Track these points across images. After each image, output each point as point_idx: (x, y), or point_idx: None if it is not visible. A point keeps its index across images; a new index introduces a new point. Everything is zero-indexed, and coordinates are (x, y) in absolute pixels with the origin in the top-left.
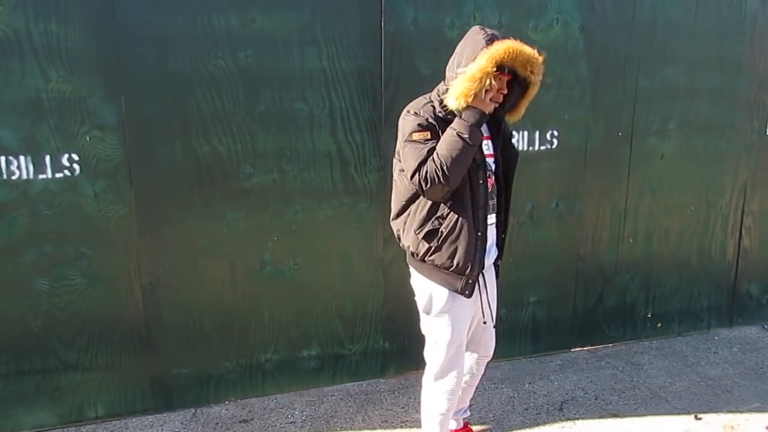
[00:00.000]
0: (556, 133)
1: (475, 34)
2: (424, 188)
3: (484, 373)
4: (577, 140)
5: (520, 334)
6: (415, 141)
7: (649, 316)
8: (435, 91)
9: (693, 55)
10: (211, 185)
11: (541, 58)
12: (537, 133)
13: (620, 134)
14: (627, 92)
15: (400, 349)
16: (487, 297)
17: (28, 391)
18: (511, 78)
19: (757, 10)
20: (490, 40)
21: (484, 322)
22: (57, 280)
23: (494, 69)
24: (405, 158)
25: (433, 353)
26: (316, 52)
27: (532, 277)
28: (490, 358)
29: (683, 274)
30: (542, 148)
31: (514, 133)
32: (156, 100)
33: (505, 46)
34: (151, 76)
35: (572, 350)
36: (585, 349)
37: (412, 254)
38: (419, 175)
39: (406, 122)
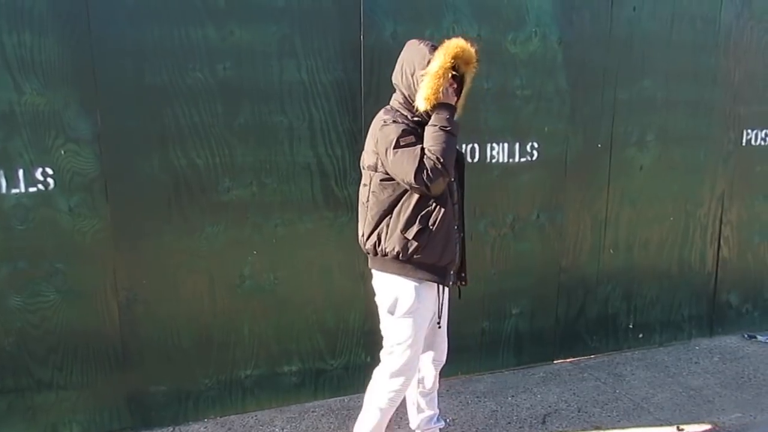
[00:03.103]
0: (536, 145)
1: (415, 45)
2: (431, 184)
3: (467, 387)
4: (557, 152)
5: (503, 347)
6: (404, 146)
7: (631, 326)
8: (393, 102)
9: (670, 67)
10: (190, 199)
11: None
12: (517, 145)
13: (599, 146)
14: (605, 104)
15: None
16: (442, 299)
17: (1, 410)
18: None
19: (732, 23)
20: (434, 47)
21: (438, 324)
22: (31, 297)
23: (451, 64)
24: (399, 164)
25: (394, 354)
26: (296, 64)
27: (514, 288)
28: (443, 363)
29: (664, 284)
30: (522, 159)
31: (495, 144)
32: (133, 113)
33: (456, 43)
34: (127, 88)
35: (555, 362)
36: (568, 360)
37: (397, 254)
38: (423, 173)
39: (388, 131)
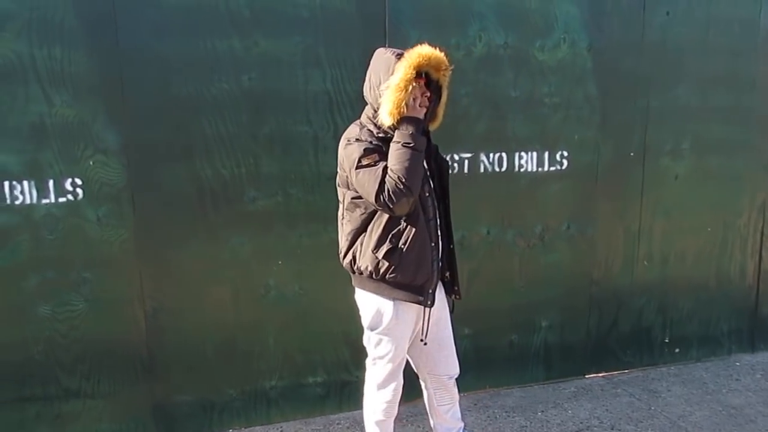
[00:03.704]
0: (566, 154)
1: (382, 55)
2: (392, 206)
3: (495, 401)
4: (587, 161)
5: (532, 360)
6: (366, 165)
7: (667, 341)
8: (364, 116)
9: (705, 73)
10: (215, 209)
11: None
12: (546, 154)
13: (632, 155)
14: (638, 112)
15: (407, 376)
16: (429, 315)
17: (29, 418)
18: (426, 83)
19: None
20: (400, 55)
21: (422, 341)
22: (59, 306)
23: (414, 75)
24: (361, 184)
25: (377, 365)
26: (320, 74)
27: (543, 300)
28: (456, 375)
29: (701, 298)
30: (552, 169)
31: (524, 153)
32: (159, 124)
33: (418, 51)
34: (154, 100)
35: (586, 377)
36: (600, 375)
37: (371, 274)
38: (384, 195)
39: (351, 150)
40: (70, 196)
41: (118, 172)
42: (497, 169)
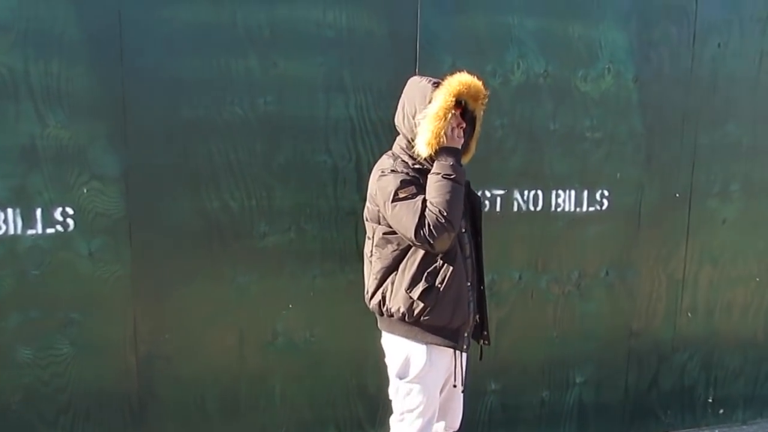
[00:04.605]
0: (606, 193)
1: (417, 83)
2: (433, 241)
3: None
4: (629, 201)
5: (565, 420)
6: (403, 198)
7: (711, 400)
8: (396, 147)
9: (757, 110)
10: (221, 245)
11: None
12: (585, 193)
13: (677, 195)
14: (685, 150)
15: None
16: (463, 360)
17: None
18: (461, 113)
19: None
20: (436, 83)
21: (455, 386)
22: (42, 350)
23: (453, 103)
24: (398, 219)
25: (404, 421)
26: (343, 99)
27: (578, 354)
28: (456, 429)
29: (749, 354)
30: (591, 209)
31: (561, 192)
32: (164, 150)
33: (458, 79)
34: (159, 123)
35: None
36: None
37: (403, 316)
38: (424, 230)
39: (386, 182)
40: (59, 227)
41: (115, 202)
42: (532, 208)
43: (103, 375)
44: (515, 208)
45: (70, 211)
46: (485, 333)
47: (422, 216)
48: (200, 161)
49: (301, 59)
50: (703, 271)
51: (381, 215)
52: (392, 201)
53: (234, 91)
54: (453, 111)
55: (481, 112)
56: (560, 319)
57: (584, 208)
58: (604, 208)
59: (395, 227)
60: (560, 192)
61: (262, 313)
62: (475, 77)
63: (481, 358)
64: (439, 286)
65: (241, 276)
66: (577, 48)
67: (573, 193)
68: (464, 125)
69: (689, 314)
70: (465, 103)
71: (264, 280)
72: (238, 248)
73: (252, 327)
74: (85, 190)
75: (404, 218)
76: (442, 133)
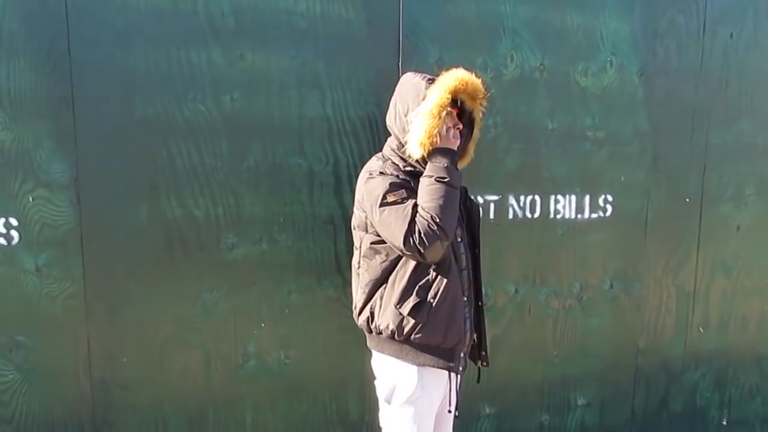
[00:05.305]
0: (610, 198)
1: (410, 80)
2: (424, 250)
3: None
4: (635, 207)
5: None
6: (392, 203)
7: (725, 423)
8: (386, 148)
9: None
10: (184, 258)
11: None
12: (587, 198)
13: (687, 200)
14: (695, 150)
15: None
16: (458, 382)
17: None
18: (458, 113)
19: None
20: (431, 80)
21: (449, 411)
22: None
23: (449, 101)
24: (386, 225)
25: None
26: (319, 96)
27: (580, 374)
28: None
29: (766, 371)
30: (593, 216)
31: (560, 197)
32: (118, 153)
33: (455, 75)
34: (113, 123)
35: None
36: None
37: (392, 334)
38: (413, 237)
39: (374, 185)
40: (2, 240)
41: (64, 212)
42: (528, 215)
43: (53, 404)
44: (510, 215)
45: (13, 222)
46: (483, 353)
47: (412, 222)
48: (159, 165)
49: (270, 51)
50: (716, 282)
51: (368, 222)
52: (380, 205)
53: (196, 87)
54: (448, 109)
55: (480, 114)
56: (560, 336)
57: (586, 215)
58: (607, 214)
59: (383, 235)
60: (559, 197)
61: (231, 333)
62: (473, 74)
63: (478, 381)
64: (432, 301)
65: (207, 292)
66: (577, 39)
67: (573, 198)
68: (461, 126)
69: (701, 329)
70: (462, 102)
71: (233, 297)
72: (203, 261)
73: (220, 349)
74: (30, 199)
75: (392, 224)
76: (436, 132)
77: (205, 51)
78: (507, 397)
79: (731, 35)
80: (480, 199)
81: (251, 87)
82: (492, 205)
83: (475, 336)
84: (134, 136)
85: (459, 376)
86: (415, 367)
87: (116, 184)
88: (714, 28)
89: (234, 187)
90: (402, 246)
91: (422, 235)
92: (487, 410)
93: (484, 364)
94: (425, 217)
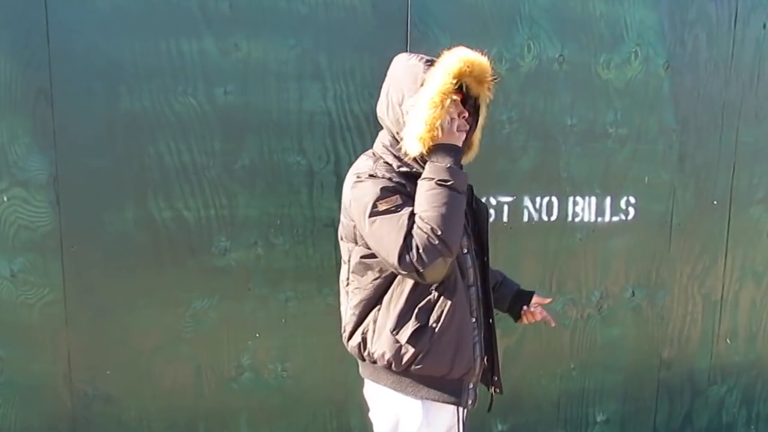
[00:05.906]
0: (632, 201)
1: (405, 62)
2: (423, 269)
3: None
4: (659, 210)
5: None
6: (384, 212)
7: None
8: (378, 145)
9: None
10: (174, 263)
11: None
12: (608, 200)
13: (715, 203)
14: (724, 149)
15: None
16: (466, 416)
17: None
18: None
19: None
20: (429, 62)
21: None
22: None
23: (453, 86)
24: (378, 238)
25: None
26: (320, 89)
27: (600, 388)
28: None
29: None
30: (615, 219)
31: (579, 199)
32: (102, 150)
33: (458, 55)
34: (96, 117)
35: None
36: None
37: (389, 364)
38: (411, 254)
39: (362, 191)
40: None
41: (42, 212)
42: (545, 218)
43: (31, 419)
44: (525, 218)
45: None
46: (496, 378)
47: (408, 235)
48: (147, 163)
49: (267, 40)
50: (745, 290)
51: (357, 233)
52: (369, 215)
53: (186, 79)
54: (452, 96)
55: (488, 100)
56: (579, 348)
57: (606, 218)
58: (629, 217)
59: (374, 249)
60: (578, 199)
61: (224, 343)
62: (480, 53)
63: (489, 409)
64: (434, 325)
65: (197, 300)
66: (599, 29)
67: (593, 200)
68: (467, 115)
69: (728, 340)
70: (466, 87)
71: (226, 305)
72: (194, 267)
73: (212, 360)
74: (5, 199)
75: (385, 238)
76: (438, 124)
77: (197, 40)
78: (521, 412)
79: (764, 25)
80: (492, 201)
81: (246, 79)
82: (506, 207)
83: (486, 358)
84: (119, 132)
85: (466, 411)
86: (418, 402)
87: (99, 184)
88: (746, 17)
89: (227, 187)
90: (397, 264)
91: (421, 251)
92: (500, 427)
93: (497, 390)
94: (424, 230)
